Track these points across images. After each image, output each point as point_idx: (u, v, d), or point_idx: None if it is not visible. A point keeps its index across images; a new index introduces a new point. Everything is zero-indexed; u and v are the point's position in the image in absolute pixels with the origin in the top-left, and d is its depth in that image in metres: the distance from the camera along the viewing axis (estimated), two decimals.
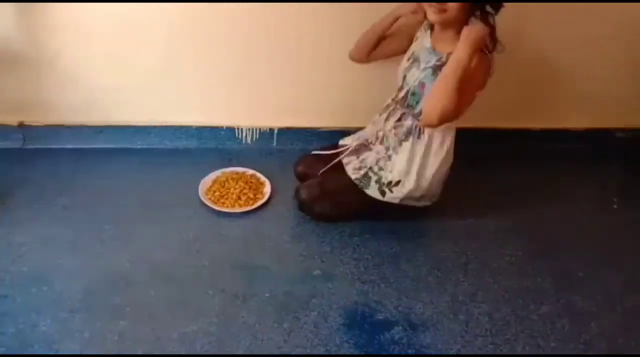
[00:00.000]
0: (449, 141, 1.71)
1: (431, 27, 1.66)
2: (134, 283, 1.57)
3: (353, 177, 1.77)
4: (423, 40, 1.68)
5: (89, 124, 2.10)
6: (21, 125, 2.08)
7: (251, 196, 1.90)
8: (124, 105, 2.08)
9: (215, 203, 1.87)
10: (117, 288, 1.54)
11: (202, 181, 1.94)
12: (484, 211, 1.94)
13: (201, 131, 2.16)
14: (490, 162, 2.19)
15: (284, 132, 2.18)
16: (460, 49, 1.49)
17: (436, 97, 1.53)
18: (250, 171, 2.02)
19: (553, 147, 2.32)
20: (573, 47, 2.10)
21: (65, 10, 1.83)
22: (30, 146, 2.10)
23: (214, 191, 1.91)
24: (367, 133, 1.84)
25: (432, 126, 1.61)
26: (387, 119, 1.76)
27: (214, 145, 2.18)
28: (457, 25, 1.55)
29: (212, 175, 1.98)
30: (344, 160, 1.83)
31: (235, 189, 1.91)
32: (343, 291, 1.59)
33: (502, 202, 1.99)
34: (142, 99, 2.07)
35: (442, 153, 1.71)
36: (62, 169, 2.00)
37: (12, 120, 2.07)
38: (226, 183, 1.94)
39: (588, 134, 2.34)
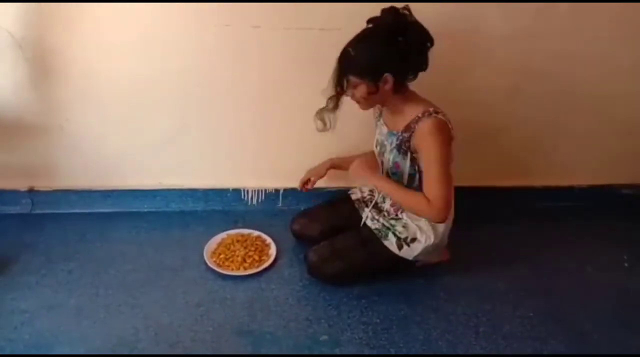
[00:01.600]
0: None
1: (380, 113, 1.79)
2: (138, 349, 1.53)
3: (372, 227, 1.78)
4: (381, 129, 1.78)
5: (97, 188, 2.13)
6: (30, 190, 2.11)
7: (256, 258, 1.89)
8: (131, 170, 2.12)
9: (221, 266, 1.85)
10: (121, 355, 1.51)
11: (207, 244, 1.94)
12: (493, 271, 1.91)
13: (207, 193, 2.18)
14: (496, 221, 2.19)
15: (290, 193, 2.20)
16: (370, 182, 1.71)
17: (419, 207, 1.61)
18: (256, 233, 2.02)
19: (558, 205, 2.33)
20: (575, 104, 2.14)
21: (76, 79, 1.90)
22: (38, 211, 2.12)
23: (219, 254, 1.91)
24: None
25: (446, 215, 1.61)
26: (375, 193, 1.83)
27: (220, 207, 2.19)
28: (391, 101, 1.65)
29: (218, 238, 1.98)
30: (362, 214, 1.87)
31: (240, 251, 1.90)
32: None
33: (511, 261, 1.97)
34: (149, 163, 2.11)
35: None
36: (69, 234, 2.01)
37: (22, 185, 2.11)
38: (231, 246, 1.94)
39: (592, 191, 2.35)
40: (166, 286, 1.77)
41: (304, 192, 2.02)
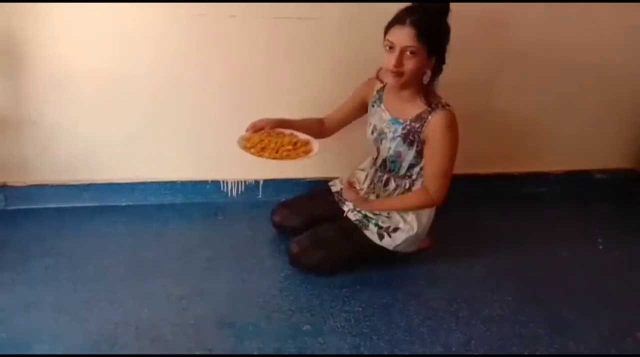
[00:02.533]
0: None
1: (379, 98, 1.77)
2: (119, 345, 1.51)
3: (353, 218, 1.79)
4: (382, 114, 1.76)
5: (73, 183, 2.09)
6: (3, 186, 2.06)
7: (290, 147, 1.71)
8: (107, 163, 2.09)
9: (251, 149, 1.69)
10: (101, 351, 1.49)
11: (241, 135, 1.76)
12: (472, 257, 1.94)
13: (186, 186, 2.16)
14: (474, 207, 2.22)
15: (270, 184, 2.19)
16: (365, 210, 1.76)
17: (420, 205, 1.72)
18: (303, 135, 1.80)
19: (534, 191, 2.37)
20: (551, 93, 2.18)
21: (47, 70, 1.86)
22: (12, 207, 2.07)
23: (254, 142, 1.72)
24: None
25: (441, 201, 1.70)
26: (370, 185, 1.83)
27: (200, 200, 2.18)
28: (410, 87, 1.64)
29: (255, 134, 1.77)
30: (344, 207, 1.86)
31: (276, 143, 1.71)
32: (334, 345, 1.55)
33: (489, 247, 2.00)
34: (126, 156, 2.08)
35: None
36: (44, 229, 1.97)
37: None
38: (269, 136, 1.74)
39: (568, 177, 2.39)
40: (146, 280, 1.75)
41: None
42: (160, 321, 1.60)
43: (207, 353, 1.50)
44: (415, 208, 1.73)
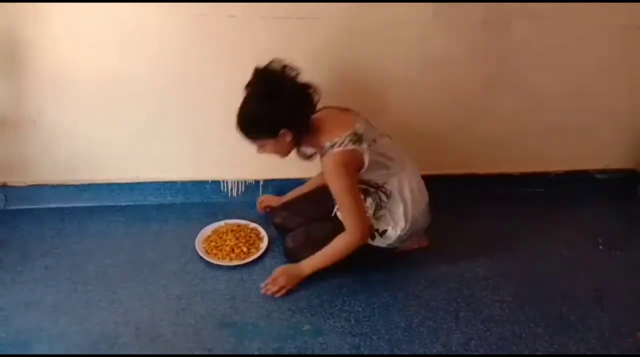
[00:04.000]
0: (407, 184, 1.74)
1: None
2: (119, 344, 1.51)
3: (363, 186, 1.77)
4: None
5: (73, 183, 2.09)
6: (4, 186, 2.06)
7: (245, 250, 1.88)
8: (107, 163, 2.09)
9: (208, 253, 1.85)
10: (101, 351, 1.49)
11: (203, 230, 1.94)
12: (472, 257, 1.94)
13: (186, 186, 2.16)
14: (474, 207, 2.22)
15: (270, 184, 2.19)
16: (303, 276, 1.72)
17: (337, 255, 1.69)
18: (253, 225, 2.00)
19: (534, 191, 2.37)
20: (552, 93, 2.18)
21: (47, 70, 1.86)
22: (12, 207, 2.08)
23: (210, 241, 1.91)
24: None
25: (365, 237, 1.70)
26: None
27: (200, 200, 2.18)
28: (302, 142, 1.71)
29: (215, 225, 1.97)
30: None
31: (230, 241, 1.89)
32: (334, 345, 1.55)
33: (489, 247, 2.00)
34: (126, 156, 2.08)
35: (410, 195, 1.74)
36: (45, 229, 1.97)
37: None
38: (224, 235, 1.93)
39: (568, 177, 2.39)
40: (146, 280, 1.76)
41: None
42: (160, 321, 1.60)
43: (207, 353, 1.50)
44: (345, 252, 1.68)
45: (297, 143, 1.70)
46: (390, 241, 1.75)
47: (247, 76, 1.93)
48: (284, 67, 1.61)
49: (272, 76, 1.60)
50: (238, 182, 2.18)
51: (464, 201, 2.19)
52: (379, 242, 1.76)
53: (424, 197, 1.80)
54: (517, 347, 1.58)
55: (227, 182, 2.18)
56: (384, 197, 1.74)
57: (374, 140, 1.67)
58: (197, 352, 1.50)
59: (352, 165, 1.63)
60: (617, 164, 2.43)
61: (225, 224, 2.00)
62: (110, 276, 1.76)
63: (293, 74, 1.61)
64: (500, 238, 2.06)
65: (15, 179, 2.07)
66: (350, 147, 1.61)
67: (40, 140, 1.99)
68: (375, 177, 1.72)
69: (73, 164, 2.06)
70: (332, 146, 1.62)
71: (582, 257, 1.98)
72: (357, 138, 1.63)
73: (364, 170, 1.66)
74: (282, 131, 1.61)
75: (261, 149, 1.70)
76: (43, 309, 1.62)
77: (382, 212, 1.75)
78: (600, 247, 2.05)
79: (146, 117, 2.00)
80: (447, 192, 2.07)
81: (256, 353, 1.51)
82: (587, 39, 2.06)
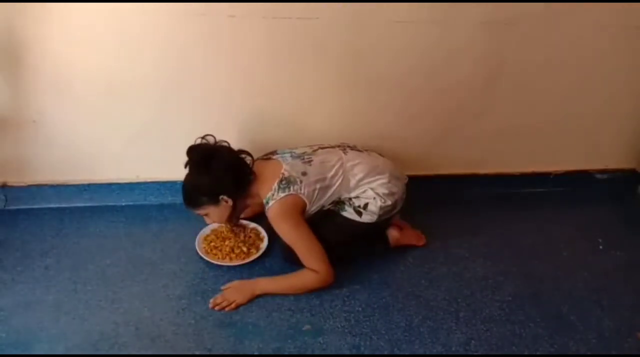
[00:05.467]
0: (357, 172, 1.77)
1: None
2: (119, 344, 1.51)
3: (329, 207, 1.79)
4: None
5: (73, 183, 2.09)
6: (4, 186, 2.06)
7: (245, 250, 1.87)
8: (107, 163, 2.09)
9: (208, 253, 1.85)
10: (101, 350, 1.49)
11: (203, 230, 1.94)
12: (472, 257, 1.94)
13: None
14: (475, 207, 2.22)
15: None
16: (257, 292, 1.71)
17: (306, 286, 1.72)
18: (253, 225, 2.00)
19: (534, 191, 2.37)
20: (552, 94, 2.18)
21: (47, 70, 1.86)
22: (12, 207, 2.08)
23: (210, 241, 1.90)
24: None
25: (331, 277, 1.71)
26: None
27: None
28: (244, 203, 1.80)
29: (215, 225, 1.95)
30: None
31: (230, 241, 1.89)
32: (334, 345, 1.55)
33: (489, 247, 2.00)
34: (126, 156, 2.08)
35: (366, 175, 1.77)
36: (45, 229, 1.97)
37: None
38: (224, 235, 1.92)
39: (568, 177, 2.39)
40: (146, 280, 1.76)
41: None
42: (160, 321, 1.60)
43: (207, 353, 1.50)
44: (309, 289, 1.70)
45: (238, 203, 1.76)
46: (377, 214, 1.76)
47: (247, 76, 1.96)
48: (215, 140, 1.74)
49: (205, 149, 1.70)
50: None
51: (464, 201, 2.19)
52: (366, 218, 1.76)
53: (383, 166, 1.82)
54: (517, 347, 1.58)
55: None
56: (353, 202, 1.77)
57: (304, 173, 1.71)
58: (197, 352, 1.50)
59: (293, 211, 1.69)
60: (617, 164, 2.43)
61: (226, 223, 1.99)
62: (110, 276, 1.76)
63: (224, 144, 1.74)
64: (500, 238, 2.06)
65: (15, 179, 2.07)
66: (282, 195, 1.67)
67: (40, 140, 1.99)
68: (327, 201, 1.76)
69: (73, 164, 2.06)
70: (268, 201, 1.69)
71: (582, 257, 1.98)
72: (287, 182, 1.69)
73: (310, 205, 1.71)
74: (221, 197, 1.71)
75: (207, 218, 1.80)
76: (43, 309, 1.62)
77: (357, 201, 1.77)
78: (600, 247, 2.05)
79: (146, 116, 1.99)
80: (447, 192, 2.08)
81: (256, 353, 1.51)
82: (587, 39, 2.06)
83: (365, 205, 1.76)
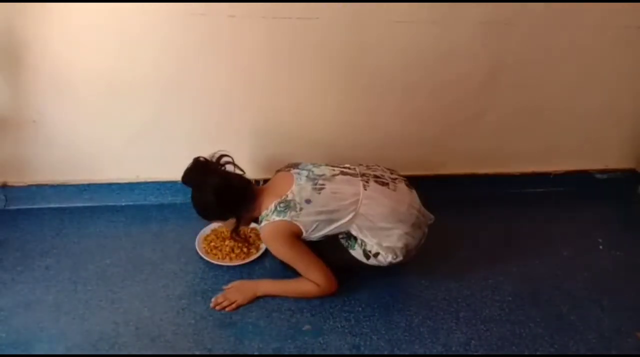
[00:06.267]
0: (369, 220, 1.63)
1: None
2: (119, 344, 1.51)
3: (339, 236, 1.70)
4: None
5: (73, 182, 2.09)
6: (4, 186, 2.06)
7: (245, 250, 1.87)
8: (107, 163, 2.09)
9: (208, 253, 1.85)
10: (101, 350, 1.49)
11: (202, 230, 1.95)
12: (472, 258, 1.94)
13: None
14: (475, 207, 2.22)
15: None
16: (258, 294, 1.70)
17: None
18: (253, 225, 1.98)
19: (534, 191, 2.37)
20: (551, 94, 2.18)
21: (47, 70, 1.86)
22: (12, 207, 2.08)
23: (210, 241, 1.91)
24: None
25: (333, 287, 1.69)
26: None
27: None
28: (244, 222, 1.77)
29: (214, 225, 1.96)
30: None
31: (230, 241, 1.88)
32: (334, 345, 1.55)
33: (489, 247, 2.00)
34: (126, 156, 2.08)
35: (380, 229, 1.64)
36: (45, 229, 1.97)
37: None
38: (223, 234, 1.92)
39: (568, 176, 2.39)
40: (146, 280, 1.76)
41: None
42: (160, 321, 1.60)
43: (207, 353, 1.50)
44: (308, 295, 1.68)
45: (240, 220, 1.73)
46: (384, 263, 1.66)
47: (247, 76, 1.95)
48: (205, 163, 1.69)
49: (194, 178, 1.67)
50: None
51: (464, 201, 2.19)
52: (373, 262, 1.67)
53: (407, 211, 1.67)
54: (517, 347, 1.58)
55: None
56: (364, 243, 1.66)
57: (307, 201, 1.60)
58: (197, 352, 1.50)
59: (286, 232, 1.61)
60: (617, 164, 2.44)
61: None
62: (110, 276, 1.76)
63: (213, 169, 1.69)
64: (500, 238, 2.06)
65: (15, 179, 2.07)
66: (277, 218, 1.61)
67: (40, 140, 1.99)
68: (331, 232, 1.64)
69: (73, 164, 2.06)
70: (262, 220, 1.65)
71: (582, 257, 1.98)
72: (286, 206, 1.61)
73: (307, 233, 1.62)
74: (228, 217, 1.70)
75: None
76: (43, 309, 1.62)
77: (368, 246, 1.66)
78: (600, 247, 2.05)
79: (146, 116, 1.99)
80: (447, 193, 2.07)
81: (256, 353, 1.51)
82: (587, 39, 2.06)
83: (376, 254, 1.64)
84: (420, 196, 1.77)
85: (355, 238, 1.66)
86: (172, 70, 1.91)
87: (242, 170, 1.74)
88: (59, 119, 1.96)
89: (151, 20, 1.81)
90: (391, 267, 1.69)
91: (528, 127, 2.25)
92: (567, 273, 1.89)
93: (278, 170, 1.80)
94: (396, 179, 1.74)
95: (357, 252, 1.67)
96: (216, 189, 1.61)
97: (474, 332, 1.62)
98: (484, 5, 1.91)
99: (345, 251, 1.69)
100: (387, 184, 1.69)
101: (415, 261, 1.87)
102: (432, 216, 1.78)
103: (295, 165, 1.76)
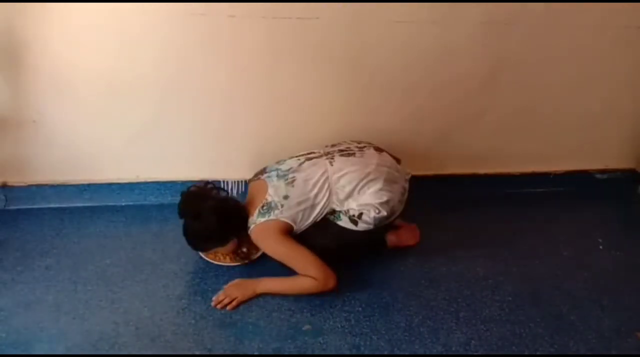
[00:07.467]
0: (345, 185, 1.73)
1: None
2: (119, 344, 1.51)
3: (327, 216, 1.78)
4: None
5: (73, 183, 2.09)
6: (4, 186, 2.06)
7: (245, 250, 1.87)
8: (107, 163, 2.09)
9: (208, 254, 1.85)
10: (101, 350, 1.49)
11: None
12: (472, 257, 1.94)
13: (186, 186, 2.13)
14: (475, 207, 2.22)
15: None
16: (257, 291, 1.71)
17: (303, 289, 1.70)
18: None
19: (534, 191, 2.37)
20: (552, 94, 2.18)
21: (47, 70, 1.86)
22: (12, 207, 2.07)
23: None
24: None
25: (331, 281, 1.69)
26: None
27: None
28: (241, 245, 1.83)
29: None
30: None
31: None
32: (334, 345, 1.55)
33: (489, 247, 2.00)
34: (126, 156, 2.08)
35: (355, 190, 1.73)
36: (45, 229, 1.97)
37: None
38: None
39: (568, 177, 2.39)
40: (146, 280, 1.76)
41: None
42: (161, 321, 1.60)
43: (207, 353, 1.50)
44: (306, 291, 1.69)
45: (241, 239, 1.80)
46: (372, 223, 1.72)
47: (247, 76, 1.95)
48: (213, 187, 1.77)
49: (191, 210, 1.72)
50: (238, 182, 2.18)
51: (464, 201, 2.19)
52: (362, 227, 1.73)
53: (376, 170, 1.75)
54: (517, 347, 1.58)
55: (227, 182, 2.18)
56: (348, 211, 1.74)
57: (285, 197, 1.70)
58: (197, 352, 1.50)
59: (274, 230, 1.69)
60: (617, 164, 2.44)
61: None
62: (110, 276, 1.76)
63: (222, 193, 1.78)
64: (500, 238, 2.06)
65: (15, 179, 2.07)
66: (262, 220, 1.69)
67: (40, 140, 1.99)
68: (317, 217, 1.75)
69: (73, 164, 2.06)
70: (250, 226, 1.72)
71: (582, 257, 1.98)
72: (268, 208, 1.70)
73: (296, 225, 1.72)
74: (230, 239, 1.76)
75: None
76: (43, 309, 1.62)
77: (352, 211, 1.74)
78: (600, 247, 2.05)
79: (146, 116, 1.99)
80: (447, 193, 2.07)
81: (256, 353, 1.51)
82: (587, 39, 2.06)
83: (360, 214, 1.73)
84: (420, 196, 1.77)
85: (339, 211, 1.75)
86: (172, 70, 1.91)
87: (226, 191, 1.84)
88: (59, 119, 1.96)
89: (151, 20, 1.81)
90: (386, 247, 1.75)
91: (528, 127, 2.25)
92: (567, 273, 1.89)
93: (249, 181, 1.87)
94: (364, 146, 1.84)
95: (344, 222, 1.74)
96: (216, 210, 1.69)
97: (474, 332, 1.62)
98: (484, 5, 1.91)
99: (334, 226, 1.75)
100: (353, 154, 1.80)
101: (415, 260, 1.88)
102: (408, 171, 1.87)
103: (262, 171, 1.84)
